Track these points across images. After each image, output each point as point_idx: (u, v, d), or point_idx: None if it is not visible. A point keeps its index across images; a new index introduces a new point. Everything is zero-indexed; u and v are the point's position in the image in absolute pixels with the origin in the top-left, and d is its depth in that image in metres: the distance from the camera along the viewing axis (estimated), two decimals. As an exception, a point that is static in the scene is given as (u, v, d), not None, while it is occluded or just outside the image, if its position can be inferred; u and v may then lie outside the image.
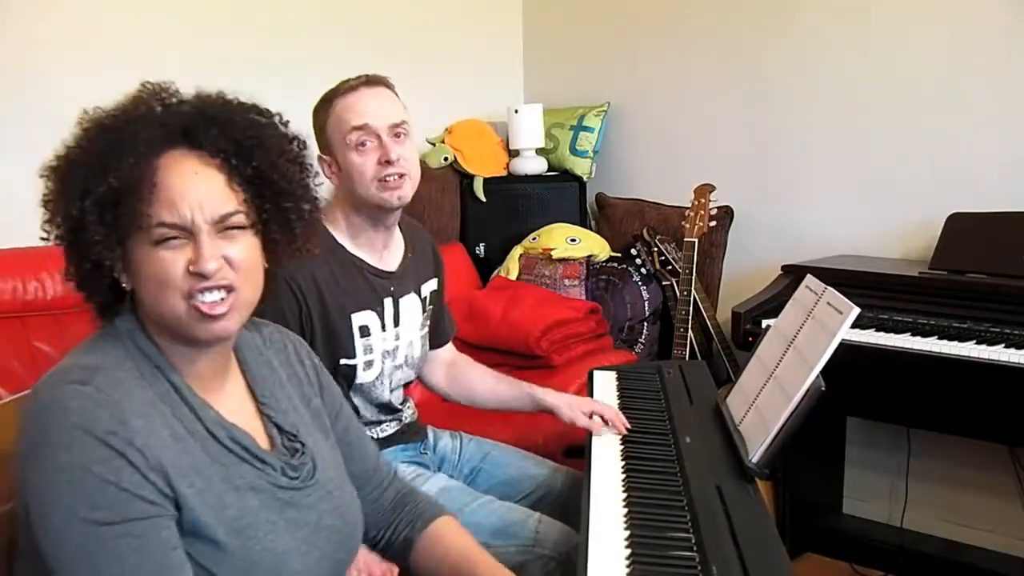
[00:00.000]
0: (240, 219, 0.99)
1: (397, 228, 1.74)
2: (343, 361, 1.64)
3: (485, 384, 1.88)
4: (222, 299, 0.97)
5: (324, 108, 1.66)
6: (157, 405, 0.97)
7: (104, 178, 0.93)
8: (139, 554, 0.90)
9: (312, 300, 1.59)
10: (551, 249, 3.05)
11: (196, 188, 0.97)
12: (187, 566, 0.93)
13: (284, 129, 1.08)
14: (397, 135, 1.63)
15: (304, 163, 1.08)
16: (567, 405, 1.74)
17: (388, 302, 1.70)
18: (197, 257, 0.95)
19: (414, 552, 1.25)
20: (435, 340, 1.87)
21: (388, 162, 1.60)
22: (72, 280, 1.00)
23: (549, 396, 1.79)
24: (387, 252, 1.73)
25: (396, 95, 1.68)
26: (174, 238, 0.95)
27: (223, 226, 0.98)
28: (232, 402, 1.08)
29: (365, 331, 1.67)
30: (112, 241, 0.95)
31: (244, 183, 1.01)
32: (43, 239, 0.99)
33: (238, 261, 0.99)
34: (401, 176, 1.62)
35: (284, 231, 1.05)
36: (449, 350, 1.95)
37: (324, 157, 1.65)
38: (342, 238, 1.67)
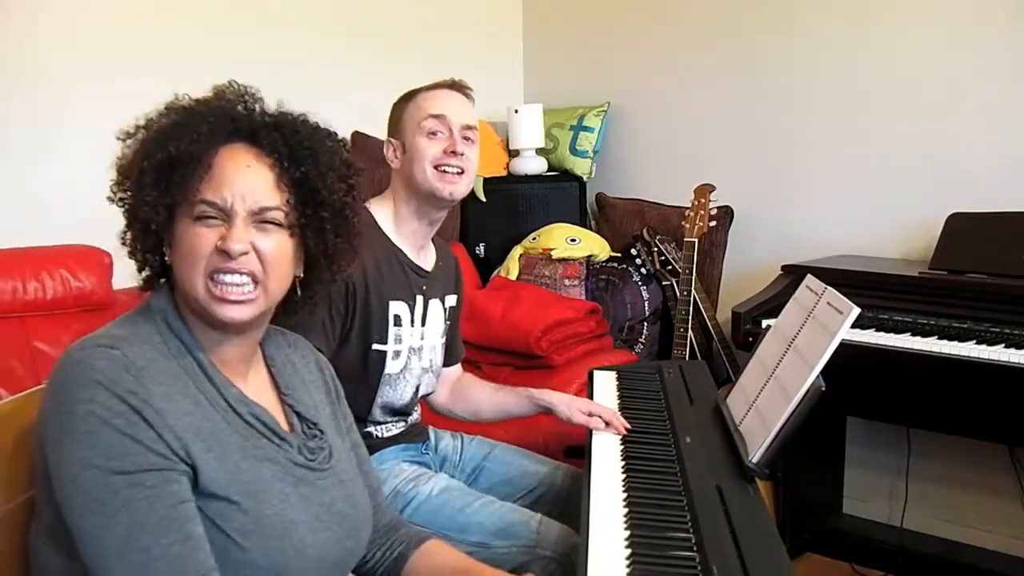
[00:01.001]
0: (278, 216, 1.06)
1: (431, 242, 1.79)
2: (375, 346, 1.67)
3: (484, 394, 1.90)
4: (245, 286, 1.04)
5: (406, 99, 1.74)
6: (181, 377, 1.03)
7: (166, 147, 1.02)
8: (148, 503, 0.94)
9: (358, 282, 1.63)
10: (551, 249, 3.05)
11: (244, 178, 1.04)
12: (196, 519, 0.97)
13: (344, 153, 1.15)
14: (467, 137, 1.70)
15: (352, 185, 1.14)
16: (564, 403, 1.76)
17: (419, 299, 1.74)
18: (227, 236, 1.02)
19: (408, 565, 1.28)
20: (447, 358, 1.89)
21: (453, 152, 1.66)
22: (125, 244, 1.07)
23: (546, 395, 1.82)
24: (423, 252, 1.77)
25: (473, 105, 1.76)
26: (212, 217, 1.02)
27: (260, 218, 1.04)
28: (255, 387, 1.13)
29: (397, 320, 1.70)
30: (161, 205, 1.02)
31: (291, 185, 1.07)
32: (109, 199, 1.07)
33: (266, 253, 1.04)
34: (460, 172, 1.68)
35: (319, 240, 1.11)
36: (456, 369, 1.97)
37: (392, 140, 1.72)
38: (387, 228, 1.72)
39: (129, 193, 1.05)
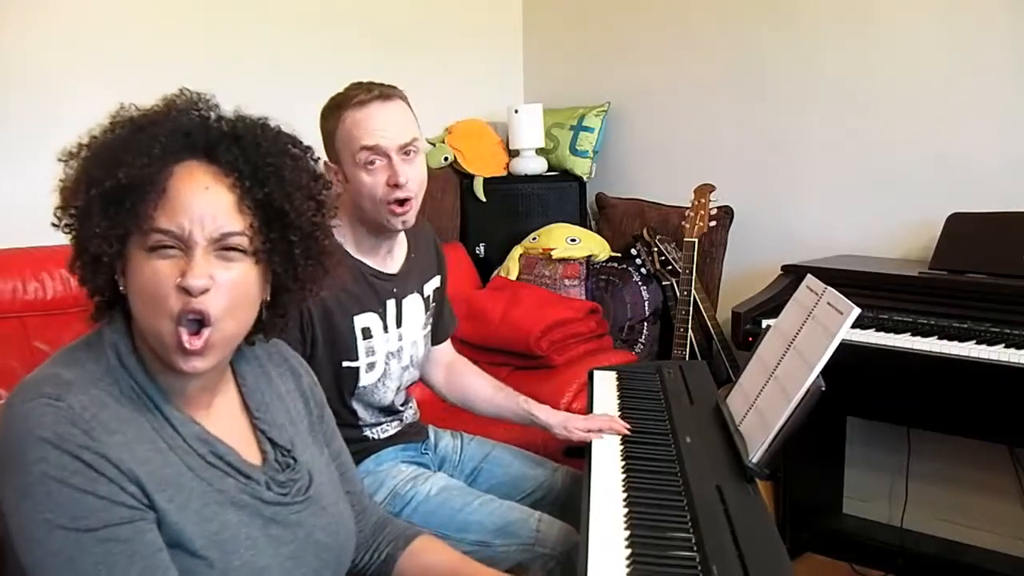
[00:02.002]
0: (242, 242, 0.96)
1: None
2: (345, 364, 1.64)
3: (483, 391, 1.88)
4: (196, 332, 0.94)
5: (333, 115, 1.63)
6: (135, 420, 0.96)
7: (114, 172, 0.93)
8: (126, 557, 0.89)
9: (314, 303, 1.57)
10: (551, 249, 3.05)
11: (202, 202, 0.95)
12: (171, 567, 0.93)
13: (311, 165, 1.06)
14: (407, 153, 1.62)
15: (323, 203, 1.05)
16: (561, 425, 1.72)
17: (391, 304, 1.70)
18: (186, 270, 0.93)
19: (397, 567, 1.24)
20: (436, 336, 1.87)
21: (397, 185, 1.59)
22: (74, 272, 0.99)
23: (544, 414, 1.78)
24: (390, 256, 1.73)
25: (408, 107, 1.66)
26: (169, 247, 0.93)
27: (221, 245, 0.95)
28: (222, 417, 1.06)
29: (367, 333, 1.66)
30: (112, 236, 0.93)
31: (255, 207, 0.98)
32: (54, 224, 0.98)
33: (226, 286, 0.95)
34: (407, 201, 1.61)
35: (287, 265, 1.02)
36: (448, 350, 1.94)
37: (331, 165, 1.64)
38: (345, 242, 1.67)
39: (75, 221, 0.96)
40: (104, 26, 2.49)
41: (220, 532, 0.97)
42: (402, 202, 1.60)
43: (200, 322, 0.94)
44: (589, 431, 1.67)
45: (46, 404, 0.90)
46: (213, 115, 1.01)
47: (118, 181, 0.92)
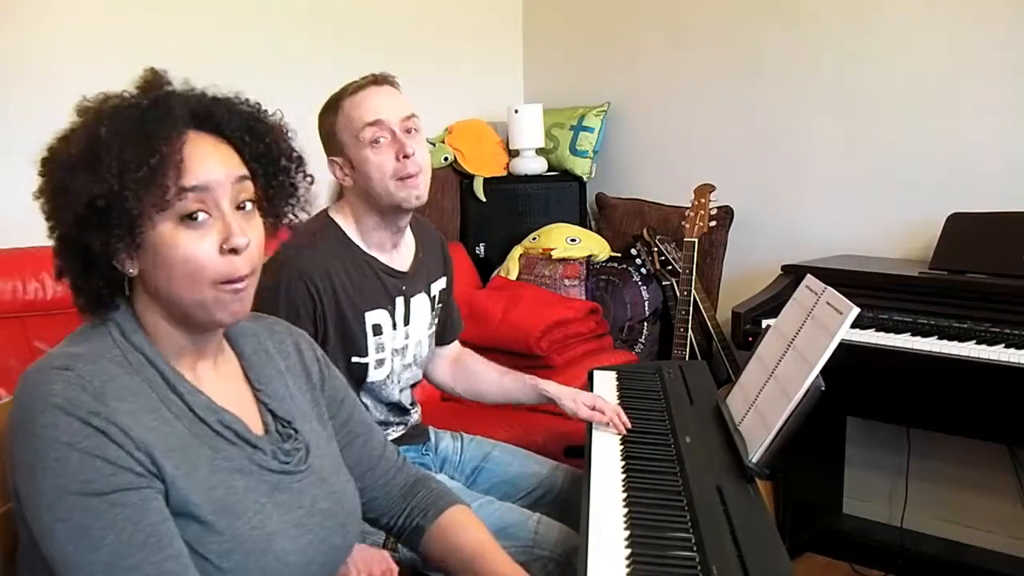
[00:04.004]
0: (250, 188, 1.01)
1: (408, 228, 1.75)
2: (354, 359, 1.65)
3: (490, 378, 1.88)
4: (245, 281, 1.00)
5: (331, 111, 1.65)
6: (143, 391, 0.98)
7: (144, 152, 0.93)
8: (132, 522, 0.91)
9: (327, 299, 1.59)
10: (551, 249, 3.05)
11: (215, 160, 0.99)
12: (179, 538, 0.94)
13: (270, 114, 1.10)
14: (409, 130, 1.63)
15: (292, 141, 1.11)
16: (569, 397, 1.73)
17: (400, 301, 1.71)
18: (228, 232, 0.96)
19: (425, 540, 1.25)
20: (443, 338, 1.88)
21: (406, 156, 1.59)
22: (72, 273, 1.00)
23: (551, 387, 1.79)
24: (398, 252, 1.73)
25: (400, 91, 1.67)
26: (198, 212, 0.96)
27: (239, 201, 0.99)
28: (225, 388, 1.08)
29: (377, 330, 1.67)
30: (146, 216, 0.94)
31: (255, 161, 1.03)
32: (50, 235, 0.98)
33: (255, 243, 1.00)
34: (416, 175, 1.61)
35: (288, 203, 1.09)
36: (455, 347, 1.95)
37: (335, 160, 1.65)
38: (355, 237, 1.68)
39: (100, 215, 0.93)
40: (105, 26, 2.49)
41: (227, 497, 0.99)
42: (412, 176, 1.61)
43: (243, 277, 0.99)
44: (595, 409, 1.68)
45: (56, 373, 0.93)
46: (192, 89, 1.04)
47: (153, 159, 0.93)
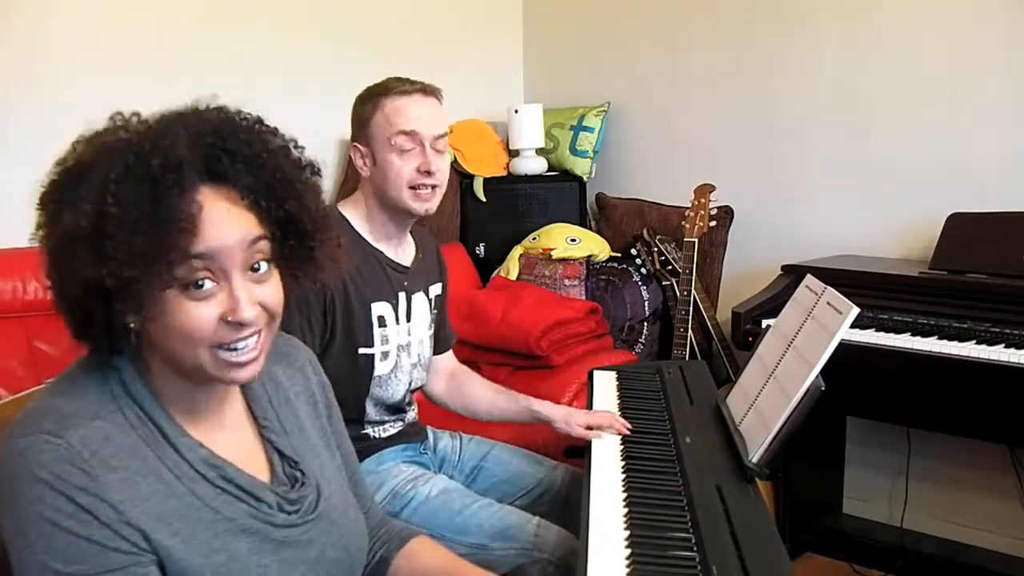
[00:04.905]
0: (266, 247, 0.94)
1: (408, 231, 1.78)
2: (361, 351, 1.67)
3: (485, 396, 1.89)
4: (254, 345, 0.94)
5: (371, 102, 1.67)
6: (140, 451, 0.93)
7: (162, 235, 0.86)
8: None
9: (336, 288, 1.61)
10: (551, 249, 3.05)
11: (229, 222, 0.91)
12: None
13: (297, 154, 1.01)
14: (438, 149, 1.67)
15: (319, 190, 1.03)
16: (563, 419, 1.73)
17: (402, 296, 1.73)
18: (234, 304, 0.90)
19: (391, 568, 1.23)
20: (437, 346, 1.89)
21: (427, 172, 1.64)
22: (72, 323, 0.93)
23: (546, 408, 1.79)
24: (401, 248, 1.77)
25: (443, 107, 1.72)
26: (203, 281, 0.89)
27: (252, 263, 0.93)
28: (229, 432, 1.04)
29: (382, 321, 1.69)
30: (156, 295, 0.88)
31: (272, 223, 0.96)
32: (50, 286, 0.92)
33: (272, 305, 0.95)
34: (434, 188, 1.66)
35: (306, 266, 1.01)
36: (450, 359, 1.96)
37: (359, 147, 1.69)
38: (362, 230, 1.71)
39: (81, 263, 0.86)
40: (106, 26, 2.48)
41: (229, 563, 0.95)
42: (430, 188, 1.65)
43: (256, 336, 0.94)
44: (589, 427, 1.67)
45: (45, 441, 0.88)
46: (206, 130, 0.93)
47: (167, 238, 0.86)
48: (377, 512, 1.32)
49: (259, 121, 0.99)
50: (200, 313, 0.90)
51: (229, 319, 0.91)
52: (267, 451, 1.07)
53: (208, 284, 0.90)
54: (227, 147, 0.92)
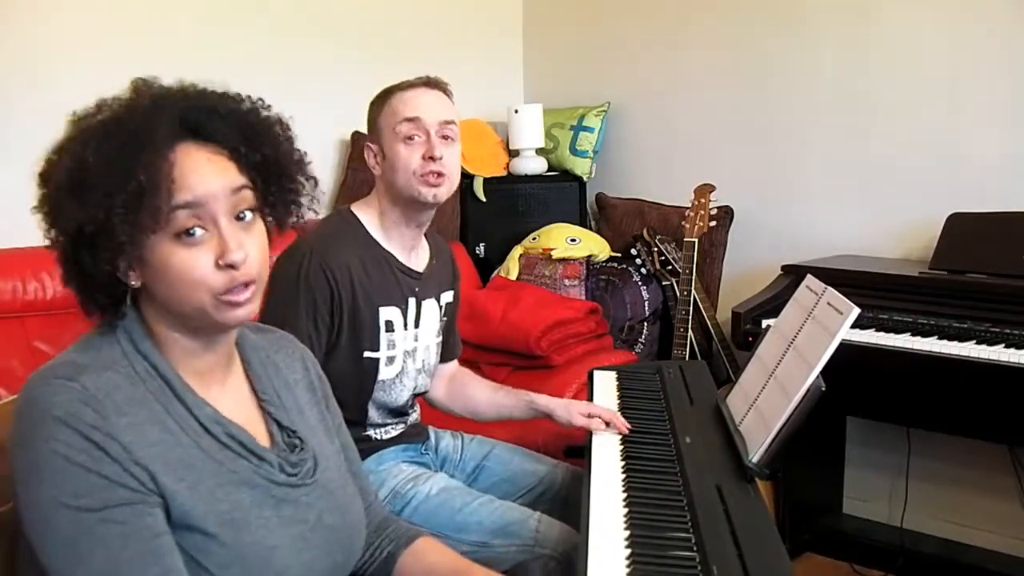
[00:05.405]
0: (249, 196, 1.00)
1: (423, 235, 1.77)
2: (367, 354, 1.66)
3: (484, 395, 1.89)
4: (248, 290, 1.00)
5: (380, 101, 1.70)
6: (148, 403, 0.98)
7: (130, 177, 0.92)
8: (122, 539, 0.91)
9: (344, 289, 1.61)
10: (551, 249, 3.05)
11: (209, 173, 0.97)
12: (175, 553, 0.94)
13: (269, 113, 1.08)
14: (445, 136, 1.67)
15: (292, 139, 1.09)
16: (562, 408, 1.74)
17: (412, 302, 1.72)
18: (224, 248, 0.96)
19: (397, 566, 1.25)
20: (443, 354, 1.88)
21: (432, 158, 1.63)
22: (74, 284, 1.00)
23: (543, 400, 1.80)
24: (415, 253, 1.75)
25: (451, 101, 1.73)
26: (194, 228, 0.95)
27: (237, 210, 0.99)
28: (232, 398, 1.08)
29: (389, 326, 1.68)
30: (138, 240, 0.94)
31: (252, 170, 1.02)
32: (49, 247, 0.99)
33: (257, 252, 1.00)
34: (440, 175, 1.65)
35: (289, 209, 1.07)
36: (452, 365, 1.96)
37: (371, 146, 1.69)
38: (376, 233, 1.70)
39: (90, 237, 0.94)
40: (106, 26, 2.49)
41: (231, 512, 0.99)
42: (436, 175, 1.64)
43: (246, 284, 0.99)
44: (591, 415, 1.68)
45: (60, 385, 0.93)
46: (172, 95, 1.01)
47: (140, 184, 0.92)
48: (382, 510, 1.33)
49: (226, 90, 1.06)
50: (195, 258, 0.96)
51: (221, 262, 0.96)
52: (267, 423, 1.11)
53: (199, 232, 0.96)
54: (201, 105, 1.00)
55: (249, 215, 1.00)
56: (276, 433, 1.11)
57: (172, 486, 0.95)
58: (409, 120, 1.64)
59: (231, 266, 0.96)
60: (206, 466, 1.00)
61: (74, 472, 0.90)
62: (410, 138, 1.64)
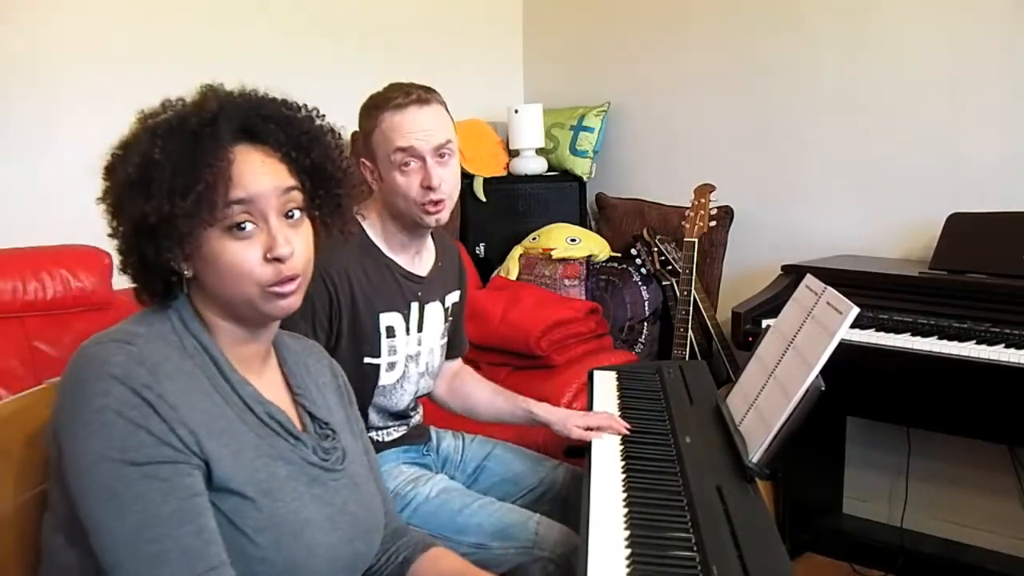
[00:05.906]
0: (300, 199, 1.07)
1: (429, 236, 1.76)
2: (367, 360, 1.65)
3: (484, 397, 1.89)
4: (294, 287, 1.06)
5: (371, 115, 1.65)
6: (196, 375, 1.03)
7: (194, 173, 0.99)
8: (162, 495, 0.95)
9: (343, 295, 1.61)
10: (551, 249, 3.05)
11: (263, 173, 1.04)
12: (209, 513, 0.98)
13: (321, 122, 1.15)
14: (442, 155, 1.63)
15: (343, 150, 1.16)
16: (560, 421, 1.73)
17: (415, 306, 1.71)
18: (272, 243, 1.03)
19: (411, 570, 1.27)
20: (448, 353, 1.88)
21: (430, 188, 1.61)
22: (132, 271, 1.06)
23: (544, 411, 1.79)
24: (418, 257, 1.74)
25: (446, 110, 1.67)
26: (245, 223, 1.02)
27: (287, 210, 1.05)
28: (270, 386, 1.14)
29: (391, 332, 1.67)
30: (196, 232, 1.00)
31: (302, 173, 1.09)
32: (111, 235, 1.06)
33: (303, 249, 1.07)
34: (440, 202, 1.62)
35: (335, 214, 1.14)
36: (455, 363, 1.95)
37: (367, 163, 1.66)
38: (377, 239, 1.69)
39: (153, 229, 1.00)
40: (106, 26, 2.49)
41: (269, 481, 1.04)
42: (435, 203, 1.62)
43: (291, 278, 1.06)
44: (588, 428, 1.67)
45: (117, 346, 0.99)
46: (247, 96, 1.09)
47: (206, 183, 0.99)
48: (399, 519, 1.36)
49: (285, 98, 1.14)
50: (245, 251, 1.03)
51: (269, 256, 1.03)
52: (300, 414, 1.17)
53: (249, 226, 1.03)
54: (260, 112, 1.07)
55: (297, 214, 1.07)
56: (309, 424, 1.16)
57: (216, 451, 1.00)
58: (402, 150, 1.60)
59: (278, 259, 1.03)
60: (247, 438, 1.05)
61: (123, 426, 0.95)
62: (406, 164, 1.61)
